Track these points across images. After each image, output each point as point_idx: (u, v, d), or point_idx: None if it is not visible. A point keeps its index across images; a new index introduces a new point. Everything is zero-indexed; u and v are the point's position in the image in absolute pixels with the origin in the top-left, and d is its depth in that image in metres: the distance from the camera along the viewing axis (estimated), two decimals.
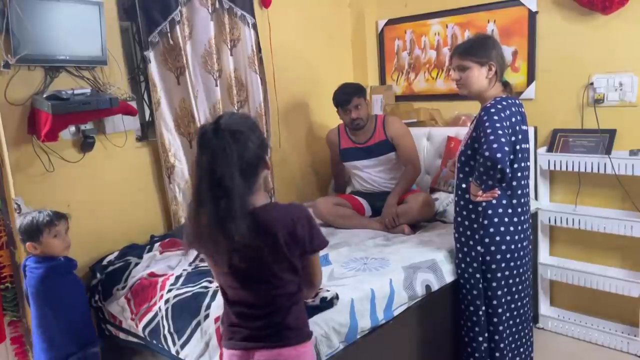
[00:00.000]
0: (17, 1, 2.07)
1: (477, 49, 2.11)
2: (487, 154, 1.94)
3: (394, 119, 3.11)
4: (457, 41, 3.29)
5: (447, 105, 3.41)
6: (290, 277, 1.44)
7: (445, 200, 2.98)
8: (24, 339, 2.25)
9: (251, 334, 1.46)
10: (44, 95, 2.22)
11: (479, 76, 2.11)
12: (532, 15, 2.97)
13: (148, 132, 2.86)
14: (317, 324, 1.80)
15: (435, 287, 2.28)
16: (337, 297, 1.89)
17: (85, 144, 2.45)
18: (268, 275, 1.43)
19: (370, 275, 2.16)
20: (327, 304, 1.86)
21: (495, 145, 1.93)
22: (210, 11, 2.85)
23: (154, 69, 2.70)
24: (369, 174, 3.09)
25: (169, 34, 2.68)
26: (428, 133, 3.32)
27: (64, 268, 2.05)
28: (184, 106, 2.79)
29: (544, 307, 3.07)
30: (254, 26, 3.01)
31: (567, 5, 2.81)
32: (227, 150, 1.33)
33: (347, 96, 2.97)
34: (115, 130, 2.56)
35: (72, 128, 2.40)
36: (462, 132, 3.14)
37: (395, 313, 2.10)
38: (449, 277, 2.35)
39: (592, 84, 2.79)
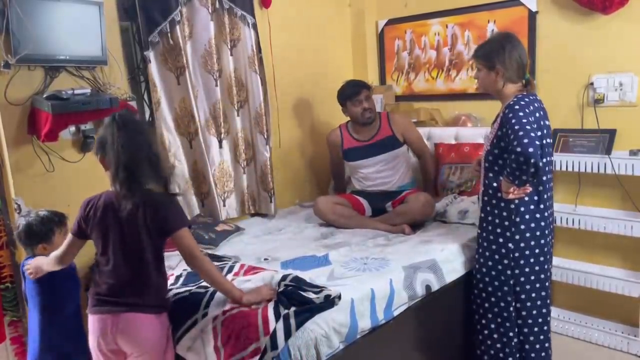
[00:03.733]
0: (17, 1, 2.07)
1: (486, 54, 2.18)
2: (519, 149, 1.95)
3: (399, 115, 3.16)
4: (457, 41, 3.31)
5: (447, 105, 3.41)
6: (150, 258, 1.72)
7: (445, 201, 2.98)
8: (24, 339, 2.25)
9: (113, 301, 1.72)
10: (44, 95, 2.22)
11: (488, 79, 2.18)
12: (532, 15, 2.98)
13: None
14: (317, 324, 1.80)
15: (435, 287, 2.28)
16: (339, 296, 1.89)
17: (85, 144, 2.45)
18: (133, 252, 1.71)
19: (371, 275, 2.16)
20: (329, 303, 1.86)
21: (526, 140, 1.95)
22: (210, 11, 2.85)
23: (154, 69, 2.70)
24: (374, 171, 3.08)
25: (169, 34, 2.68)
26: (428, 133, 3.32)
27: (67, 270, 2.03)
28: (184, 106, 2.79)
29: None
30: (254, 26, 3.01)
31: (567, 5, 2.81)
32: (138, 138, 1.67)
33: (358, 88, 3.03)
34: None
35: (72, 128, 2.40)
36: (462, 132, 3.15)
37: (396, 313, 2.10)
38: (449, 277, 2.36)
39: (592, 84, 2.79)
